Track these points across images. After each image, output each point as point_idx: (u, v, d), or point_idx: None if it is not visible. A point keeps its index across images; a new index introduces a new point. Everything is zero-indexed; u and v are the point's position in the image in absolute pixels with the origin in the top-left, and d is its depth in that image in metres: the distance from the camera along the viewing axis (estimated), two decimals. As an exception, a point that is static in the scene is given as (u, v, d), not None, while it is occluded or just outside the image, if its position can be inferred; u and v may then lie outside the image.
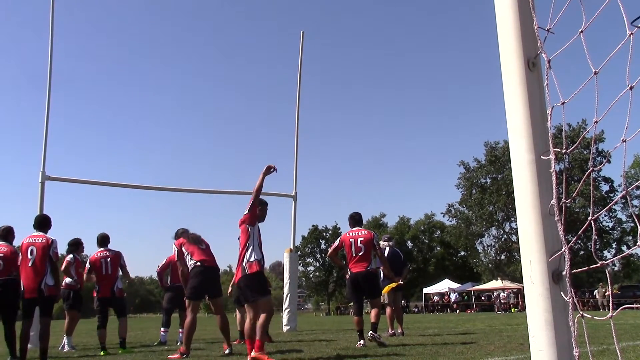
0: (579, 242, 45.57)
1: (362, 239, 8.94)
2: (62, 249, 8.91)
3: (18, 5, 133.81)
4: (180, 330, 11.08)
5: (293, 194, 16.95)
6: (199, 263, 7.88)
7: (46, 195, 12.55)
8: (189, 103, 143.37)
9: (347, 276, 9.12)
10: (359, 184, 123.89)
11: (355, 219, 9.38)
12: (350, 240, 8.99)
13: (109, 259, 9.75)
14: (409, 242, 74.16)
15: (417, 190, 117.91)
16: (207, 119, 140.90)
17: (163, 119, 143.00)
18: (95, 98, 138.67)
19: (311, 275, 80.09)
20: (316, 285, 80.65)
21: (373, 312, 8.99)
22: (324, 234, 78.65)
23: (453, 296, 48.18)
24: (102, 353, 9.14)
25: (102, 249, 9.92)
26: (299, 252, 62.99)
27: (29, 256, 7.91)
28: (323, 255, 78.64)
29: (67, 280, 10.38)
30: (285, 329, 15.55)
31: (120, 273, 10.04)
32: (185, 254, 8.08)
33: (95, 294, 9.80)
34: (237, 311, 10.84)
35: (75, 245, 10.70)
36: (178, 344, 10.53)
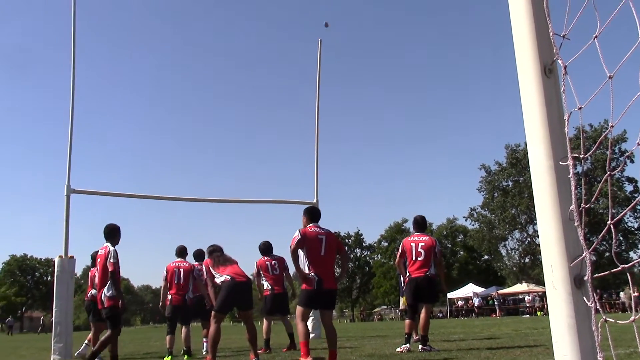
0: (604, 243, 44.97)
1: (422, 244, 9.05)
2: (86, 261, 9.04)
3: (40, 19, 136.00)
4: (204, 340, 11.16)
5: (314, 201, 16.97)
6: (229, 277, 7.94)
7: (72, 208, 12.72)
8: (209, 114, 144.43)
9: (406, 280, 9.22)
10: (380, 190, 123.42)
11: (419, 223, 9.53)
12: (412, 244, 9.11)
13: (182, 269, 10.28)
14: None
15: (439, 194, 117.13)
16: (228, 128, 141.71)
17: (184, 130, 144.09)
18: (118, 110, 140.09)
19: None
20: (340, 292, 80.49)
21: (423, 318, 9.05)
22: (347, 240, 78.53)
23: (476, 300, 47.71)
24: (168, 358, 9.86)
25: (179, 259, 10.52)
26: (321, 259, 62.57)
27: (98, 268, 8.20)
28: (346, 261, 78.39)
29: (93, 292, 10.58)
30: (310, 336, 15.54)
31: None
32: (214, 273, 8.18)
33: (168, 302, 10.28)
34: (264, 320, 10.94)
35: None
36: (204, 353, 10.62)
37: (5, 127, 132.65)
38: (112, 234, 8.39)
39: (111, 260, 7.97)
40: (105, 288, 7.95)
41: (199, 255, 10.98)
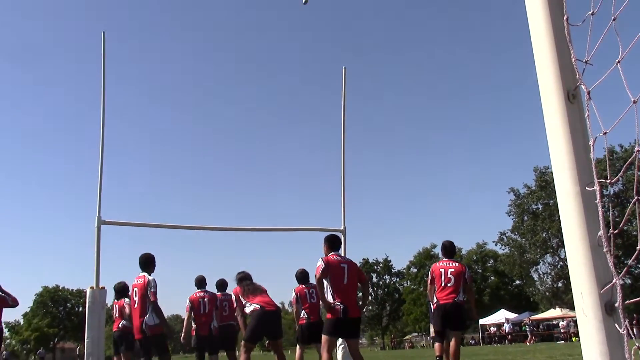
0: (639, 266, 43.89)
1: (452, 270, 8.90)
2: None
3: (71, 46, 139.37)
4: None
5: (342, 228, 16.91)
6: (258, 307, 7.92)
7: (102, 239, 12.86)
8: (237, 143, 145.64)
9: (434, 306, 9.06)
10: (408, 216, 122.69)
11: (448, 249, 9.35)
12: (441, 270, 8.96)
13: (206, 299, 10.42)
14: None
15: (467, 219, 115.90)
16: (256, 156, 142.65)
17: (214, 159, 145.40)
18: (148, 138, 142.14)
19: (364, 310, 79.26)
20: (370, 319, 79.76)
21: (453, 346, 8.85)
22: (375, 267, 78.03)
23: (507, 327, 46.82)
24: None
25: (199, 290, 10.64)
26: (350, 287, 62.46)
27: (134, 297, 8.25)
28: (375, 288, 77.90)
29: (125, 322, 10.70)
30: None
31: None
32: (244, 301, 8.18)
33: (194, 332, 10.46)
34: (298, 348, 10.94)
35: (125, 289, 11.03)
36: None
37: (37, 160, 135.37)
38: (148, 263, 8.49)
39: (152, 290, 8.07)
40: (147, 317, 7.99)
41: (221, 285, 11.10)
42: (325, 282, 7.07)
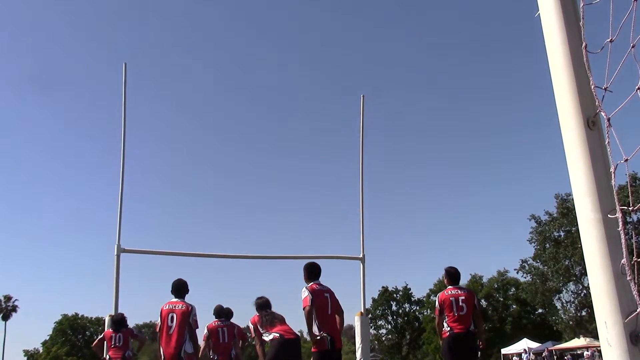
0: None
1: (463, 297, 8.45)
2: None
3: (90, 79, 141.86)
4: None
5: (361, 256, 16.84)
6: (278, 335, 7.87)
7: (122, 267, 12.93)
8: (255, 169, 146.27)
9: (446, 335, 8.46)
10: (427, 243, 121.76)
11: (454, 276, 8.87)
12: (451, 299, 8.45)
13: (225, 328, 10.43)
14: (483, 300, 71.84)
15: (488, 246, 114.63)
16: (271, 177, 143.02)
17: (235, 190, 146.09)
18: (168, 166, 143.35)
19: (384, 338, 78.47)
20: (389, 348, 78.82)
21: None
22: (395, 295, 77.33)
23: (524, 356, 45.91)
24: None
25: (218, 319, 10.61)
26: (369, 315, 62.13)
27: (169, 323, 8.05)
28: (394, 317, 77.10)
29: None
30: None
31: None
32: (262, 331, 8.12)
33: None
34: None
35: (124, 321, 11.16)
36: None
37: (57, 187, 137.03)
38: (183, 288, 8.46)
39: (194, 318, 8.09)
40: (186, 345, 7.94)
41: (219, 312, 10.96)
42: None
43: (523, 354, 46.69)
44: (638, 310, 1.61)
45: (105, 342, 10.67)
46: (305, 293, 6.94)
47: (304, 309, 6.89)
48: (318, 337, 6.69)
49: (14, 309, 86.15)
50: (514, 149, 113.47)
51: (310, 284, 7.11)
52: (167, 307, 8.19)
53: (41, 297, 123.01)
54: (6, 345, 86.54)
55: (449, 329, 8.39)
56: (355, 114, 14.81)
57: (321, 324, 6.77)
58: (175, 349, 7.94)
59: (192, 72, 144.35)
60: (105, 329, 11.29)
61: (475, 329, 8.55)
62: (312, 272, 7.33)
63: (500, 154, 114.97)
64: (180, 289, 8.45)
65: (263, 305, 8.47)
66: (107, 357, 10.42)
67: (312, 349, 6.88)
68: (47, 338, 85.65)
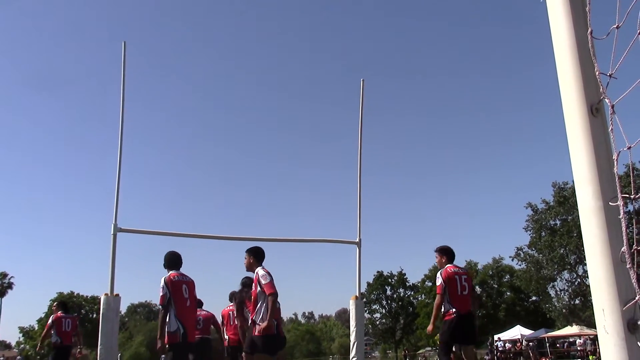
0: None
1: (465, 276, 8.13)
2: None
3: (93, 58, 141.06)
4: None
5: (357, 240, 16.86)
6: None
7: (118, 246, 12.91)
8: (254, 151, 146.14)
9: (451, 316, 7.89)
10: (423, 228, 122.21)
11: (452, 254, 8.38)
12: (456, 277, 7.98)
13: (231, 313, 10.56)
14: (477, 287, 72.14)
15: (484, 233, 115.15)
16: (269, 166, 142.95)
17: (227, 168, 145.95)
18: (166, 148, 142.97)
19: (378, 323, 78.86)
20: (383, 332, 79.26)
21: None
22: (389, 279, 77.58)
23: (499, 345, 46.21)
24: None
25: (231, 303, 10.75)
26: (364, 299, 62.25)
27: (185, 295, 7.62)
28: (389, 301, 77.43)
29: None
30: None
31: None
32: (245, 310, 8.02)
33: (225, 343, 10.79)
34: None
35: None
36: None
37: (55, 167, 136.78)
38: (180, 261, 8.16)
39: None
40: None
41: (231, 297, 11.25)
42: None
43: (502, 344, 47.06)
44: (636, 298, 1.61)
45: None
46: (266, 278, 6.62)
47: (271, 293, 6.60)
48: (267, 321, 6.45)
49: (10, 286, 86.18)
50: (513, 136, 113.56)
51: (260, 267, 6.85)
52: (177, 277, 7.67)
53: (37, 274, 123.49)
54: (2, 322, 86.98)
55: (454, 310, 7.89)
56: (354, 98, 14.73)
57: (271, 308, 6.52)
58: (195, 321, 8.00)
59: (193, 53, 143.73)
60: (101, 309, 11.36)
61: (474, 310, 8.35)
62: (259, 254, 7.04)
63: (498, 141, 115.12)
64: (178, 261, 8.03)
65: (245, 285, 8.44)
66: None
67: (256, 333, 6.65)
68: (43, 315, 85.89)
